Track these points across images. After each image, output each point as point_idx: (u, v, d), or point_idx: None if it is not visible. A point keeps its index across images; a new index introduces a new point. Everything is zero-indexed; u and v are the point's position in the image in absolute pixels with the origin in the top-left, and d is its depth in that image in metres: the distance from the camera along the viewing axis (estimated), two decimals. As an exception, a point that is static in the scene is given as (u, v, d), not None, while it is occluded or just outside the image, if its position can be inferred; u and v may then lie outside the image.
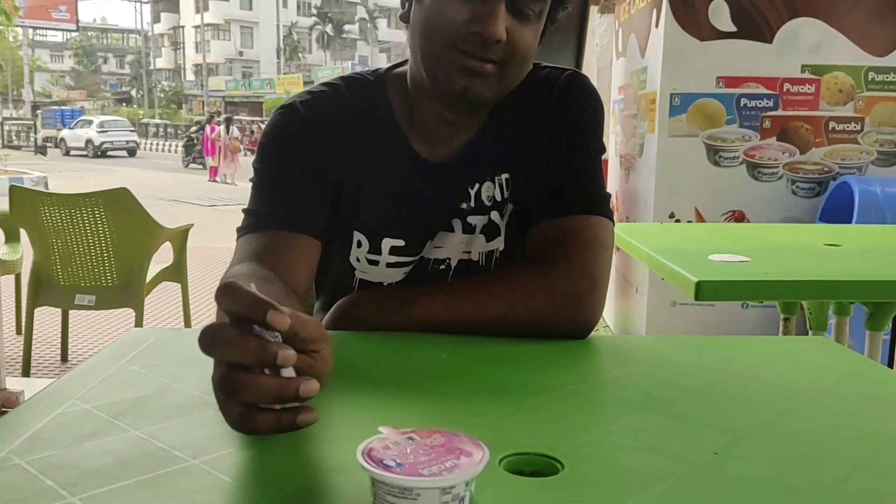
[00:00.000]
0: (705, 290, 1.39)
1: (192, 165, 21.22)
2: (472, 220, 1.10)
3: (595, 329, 0.99)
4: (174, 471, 0.58)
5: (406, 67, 1.09)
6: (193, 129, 23.04)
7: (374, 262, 1.09)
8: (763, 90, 3.48)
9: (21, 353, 3.40)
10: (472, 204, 1.10)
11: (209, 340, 0.59)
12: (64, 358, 3.71)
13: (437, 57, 0.97)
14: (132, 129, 28.86)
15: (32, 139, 28.41)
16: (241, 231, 1.01)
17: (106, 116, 31.32)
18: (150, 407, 0.71)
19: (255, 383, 0.58)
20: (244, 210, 1.03)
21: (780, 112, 3.50)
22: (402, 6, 1.04)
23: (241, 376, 0.59)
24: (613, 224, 1.05)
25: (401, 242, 1.09)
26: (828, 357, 0.94)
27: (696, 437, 0.66)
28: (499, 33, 0.93)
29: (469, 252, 1.12)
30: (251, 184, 1.06)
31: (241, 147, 16.77)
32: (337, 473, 0.57)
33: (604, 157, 1.11)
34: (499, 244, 1.12)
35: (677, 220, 3.57)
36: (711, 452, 0.62)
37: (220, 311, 0.62)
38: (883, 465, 0.61)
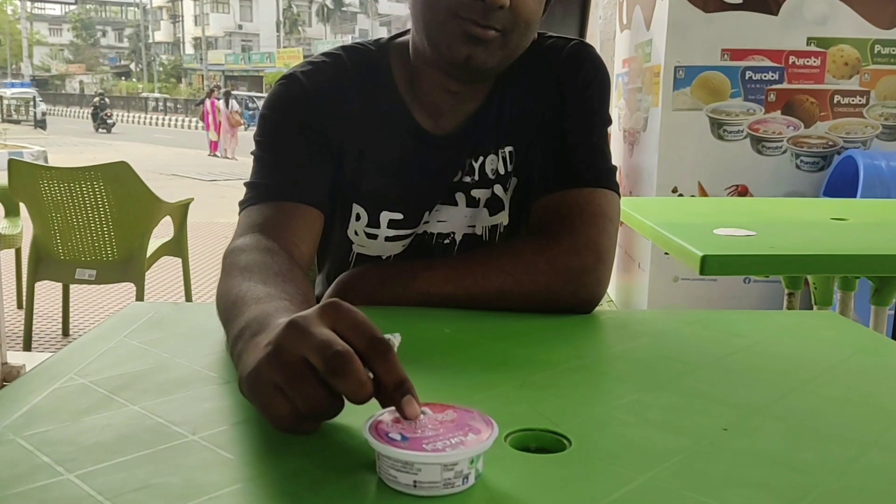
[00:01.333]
0: (711, 265, 1.37)
1: (100, 130, 26.14)
2: (475, 193, 1.09)
3: (599, 304, 0.98)
4: (173, 446, 0.57)
5: (408, 37, 1.07)
6: (96, 99, 28.50)
7: (373, 237, 1.08)
8: (768, 63, 3.44)
9: (22, 327, 3.40)
10: (476, 177, 1.08)
11: (339, 368, 0.53)
12: (65, 332, 3.71)
13: (439, 25, 0.95)
14: (40, 99, 33.91)
15: (32, 113, 28.33)
16: (244, 204, 1.00)
17: (15, 89, 35.33)
18: (149, 381, 0.70)
19: (336, 408, 0.56)
20: (246, 183, 1.02)
21: (785, 85, 3.46)
22: (404, -26, 1.02)
23: (330, 398, 0.55)
24: (619, 197, 1.03)
25: (399, 216, 1.07)
26: (836, 332, 0.93)
27: (705, 412, 0.65)
28: None
29: (473, 226, 1.10)
30: (252, 156, 1.04)
31: (242, 121, 16.79)
32: (342, 448, 0.56)
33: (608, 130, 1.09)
34: (503, 218, 1.10)
35: (680, 195, 3.55)
36: (721, 428, 0.61)
37: (326, 320, 0.57)
38: None
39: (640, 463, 0.55)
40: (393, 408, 0.54)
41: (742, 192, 3.54)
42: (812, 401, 0.69)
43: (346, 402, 0.56)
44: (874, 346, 0.86)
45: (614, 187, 1.02)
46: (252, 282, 0.78)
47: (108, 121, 26.87)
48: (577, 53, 1.06)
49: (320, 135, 1.02)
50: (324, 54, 1.08)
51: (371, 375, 0.54)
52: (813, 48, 3.44)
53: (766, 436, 0.60)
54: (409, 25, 1.05)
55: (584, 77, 1.05)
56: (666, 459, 0.55)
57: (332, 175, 1.04)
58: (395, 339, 0.58)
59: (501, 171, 1.08)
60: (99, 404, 0.64)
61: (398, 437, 0.50)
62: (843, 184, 3.33)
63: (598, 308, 0.98)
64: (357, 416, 0.54)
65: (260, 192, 0.99)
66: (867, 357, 0.82)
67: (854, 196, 3.11)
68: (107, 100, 29.66)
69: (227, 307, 0.76)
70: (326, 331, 0.56)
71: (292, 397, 0.55)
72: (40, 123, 27.25)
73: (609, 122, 1.08)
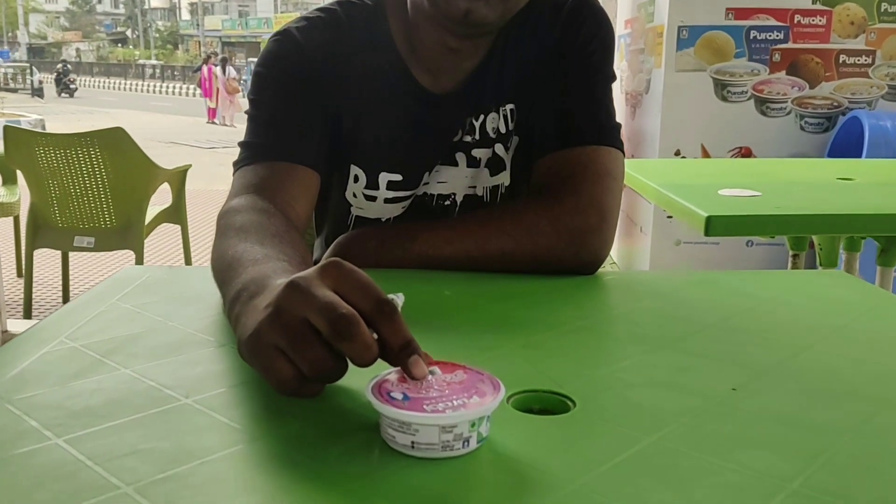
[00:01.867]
0: (716, 225, 1.35)
1: (62, 95, 27.86)
2: (476, 153, 1.06)
3: (602, 266, 0.96)
4: (166, 410, 0.55)
5: (405, -9, 1.04)
6: (59, 66, 30.30)
7: (372, 199, 1.05)
8: (773, 22, 3.38)
9: (22, 295, 3.39)
10: (477, 136, 1.05)
11: (344, 331, 0.51)
12: (65, 299, 3.70)
13: (437, -24, 0.91)
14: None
15: (29, 82, 28.19)
16: (238, 164, 0.97)
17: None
18: (141, 345, 0.68)
19: (341, 371, 0.54)
20: (240, 143, 0.99)
21: (790, 45, 3.41)
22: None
23: (335, 360, 0.53)
24: (624, 155, 1.01)
25: (398, 177, 1.04)
26: (845, 290, 0.91)
27: (713, 372, 0.63)
28: None
29: (474, 187, 1.08)
30: (247, 115, 1.01)
31: (240, 88, 16.66)
32: (343, 410, 0.55)
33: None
34: (504, 179, 1.08)
35: (683, 158, 3.51)
36: (730, 388, 0.59)
37: (328, 280, 0.54)
38: (910, 401, 0.58)
39: (648, 424, 0.53)
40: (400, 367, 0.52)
41: (746, 154, 3.50)
42: (823, 360, 0.67)
43: (350, 364, 0.54)
44: (885, 304, 0.84)
45: (618, 145, 1.00)
46: (248, 243, 0.76)
47: (71, 86, 28.89)
48: (579, 7, 1.03)
49: (316, 93, 0.99)
50: (319, 9, 1.05)
51: (375, 337, 0.53)
52: (818, 6, 3.38)
53: (777, 395, 0.59)
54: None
55: (587, 32, 1.02)
56: (674, 420, 0.53)
57: (329, 135, 1.01)
58: (399, 300, 0.56)
59: (503, 130, 1.06)
60: (89, 368, 0.63)
61: (400, 397, 0.49)
62: (847, 145, 3.30)
63: (601, 269, 0.96)
64: (360, 378, 0.52)
65: (254, 151, 0.96)
66: (878, 315, 0.80)
67: (859, 157, 3.08)
68: (69, 66, 33.27)
69: (223, 269, 0.73)
70: (329, 292, 0.53)
71: (295, 360, 0.53)
72: (37, 92, 27.07)
73: (613, 78, 1.04)
